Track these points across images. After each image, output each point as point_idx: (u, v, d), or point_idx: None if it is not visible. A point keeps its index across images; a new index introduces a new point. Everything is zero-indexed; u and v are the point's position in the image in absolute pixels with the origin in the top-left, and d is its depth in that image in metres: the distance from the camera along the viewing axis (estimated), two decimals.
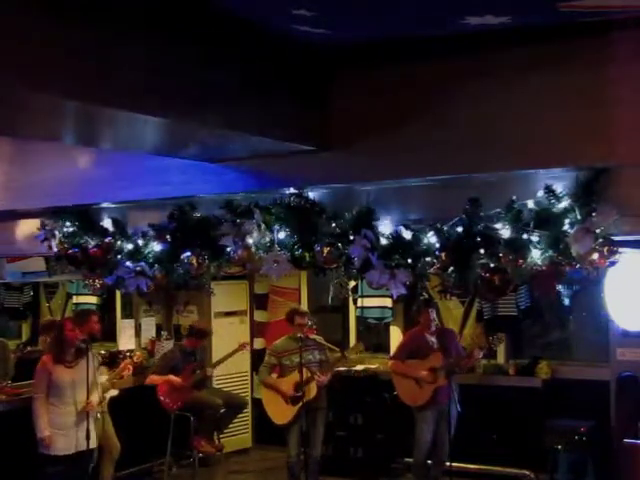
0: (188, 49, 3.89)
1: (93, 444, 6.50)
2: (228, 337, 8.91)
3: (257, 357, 8.76)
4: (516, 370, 8.18)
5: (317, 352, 7.31)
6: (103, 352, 8.83)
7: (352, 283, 7.40)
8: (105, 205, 6.01)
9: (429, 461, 7.40)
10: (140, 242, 5.76)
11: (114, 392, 7.18)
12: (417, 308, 7.47)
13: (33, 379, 6.68)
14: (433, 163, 4.48)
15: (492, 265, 4.44)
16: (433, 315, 7.28)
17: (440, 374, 7.12)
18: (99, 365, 6.99)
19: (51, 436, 6.35)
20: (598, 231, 4.15)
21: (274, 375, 7.45)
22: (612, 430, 6.98)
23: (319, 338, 7.44)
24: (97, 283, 6.22)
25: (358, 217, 4.82)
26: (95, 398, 6.56)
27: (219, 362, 8.32)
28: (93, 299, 10.24)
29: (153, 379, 8.12)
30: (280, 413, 7.35)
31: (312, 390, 7.15)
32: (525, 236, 4.34)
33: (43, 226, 6.15)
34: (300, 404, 7.12)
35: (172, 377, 8.00)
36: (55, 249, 6.09)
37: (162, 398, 8.02)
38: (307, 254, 4.99)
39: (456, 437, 7.05)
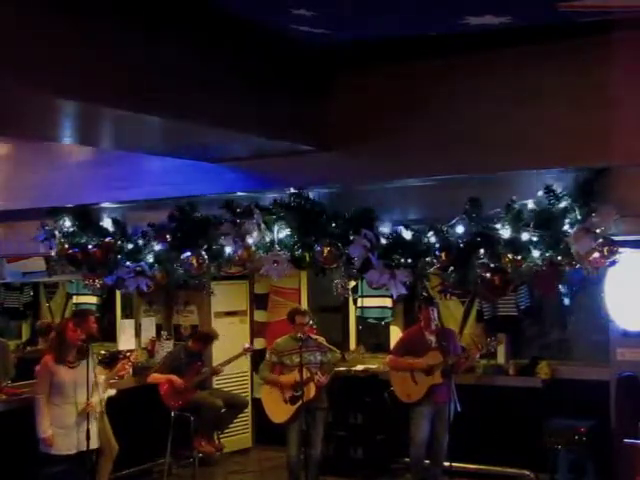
0: (188, 49, 3.89)
1: (93, 444, 6.51)
2: (228, 337, 8.90)
3: (257, 357, 8.75)
4: (516, 370, 8.17)
5: (318, 353, 7.31)
6: (103, 352, 8.84)
7: (352, 283, 7.40)
8: (105, 205, 6.02)
9: (427, 461, 7.40)
10: (140, 242, 5.76)
11: (112, 392, 7.18)
12: (418, 305, 7.47)
13: (35, 379, 6.69)
14: (433, 163, 4.48)
15: (492, 265, 4.44)
16: (434, 314, 7.28)
17: (436, 372, 7.13)
18: (95, 365, 6.98)
19: (53, 436, 6.37)
20: (598, 231, 4.15)
21: (274, 374, 7.45)
22: (612, 430, 6.98)
23: (321, 339, 7.44)
24: (97, 283, 6.23)
25: (358, 217, 4.82)
26: (95, 399, 6.57)
27: (226, 362, 8.33)
28: (93, 299, 10.24)
29: (155, 377, 8.14)
30: (278, 412, 7.35)
31: (311, 390, 7.16)
32: (525, 236, 4.35)
33: (43, 226, 6.15)
34: (298, 404, 7.12)
35: (173, 377, 8.00)
36: (55, 249, 6.09)
37: (163, 397, 8.04)
38: (307, 254, 5.00)
39: (456, 437, 7.05)
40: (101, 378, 7.00)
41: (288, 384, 7.25)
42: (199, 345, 8.34)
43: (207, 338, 8.39)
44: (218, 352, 8.68)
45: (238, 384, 9.46)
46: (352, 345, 9.28)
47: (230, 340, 8.84)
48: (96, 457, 6.83)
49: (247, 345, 8.69)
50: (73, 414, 6.47)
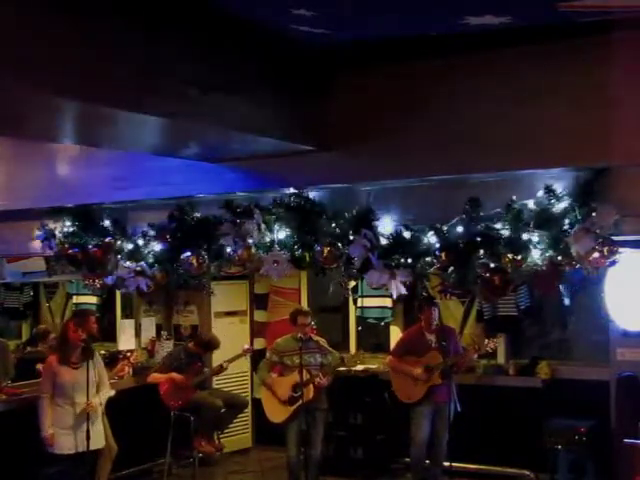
0: (188, 49, 3.89)
1: (94, 445, 6.50)
2: (228, 337, 8.90)
3: (257, 357, 8.75)
4: (516, 370, 8.18)
5: (318, 355, 7.31)
6: (103, 352, 8.83)
7: (352, 283, 7.40)
8: (105, 205, 6.01)
9: (427, 461, 7.40)
10: (140, 242, 5.76)
11: (111, 392, 7.18)
12: (419, 305, 7.47)
13: (36, 379, 6.72)
14: (433, 163, 4.48)
15: (492, 265, 4.44)
16: (435, 314, 7.28)
17: (435, 373, 7.13)
18: (94, 366, 6.98)
19: (53, 435, 6.40)
20: (598, 231, 4.15)
21: (274, 374, 7.45)
22: (612, 430, 6.98)
23: (322, 341, 7.43)
24: (97, 283, 6.23)
25: (358, 217, 4.82)
26: (96, 399, 6.58)
27: (229, 361, 8.32)
28: (93, 299, 10.24)
29: (155, 377, 8.14)
30: (276, 411, 7.36)
31: (310, 391, 7.16)
32: (525, 236, 4.35)
33: (43, 226, 6.15)
34: (297, 404, 7.12)
35: (174, 375, 8.01)
36: (55, 249, 6.09)
37: (163, 397, 8.04)
38: (307, 254, 5.00)
39: (456, 437, 7.05)
40: (104, 378, 6.99)
41: (286, 387, 7.24)
42: (199, 349, 8.35)
43: (209, 346, 8.39)
44: (218, 353, 8.68)
45: (238, 384, 9.46)
46: (352, 345, 9.29)
47: (230, 340, 8.84)
48: (95, 457, 6.83)
49: (247, 346, 8.69)
50: (74, 414, 6.48)
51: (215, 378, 8.86)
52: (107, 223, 6.02)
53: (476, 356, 7.52)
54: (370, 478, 8.42)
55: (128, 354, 8.62)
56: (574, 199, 4.27)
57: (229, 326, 9.43)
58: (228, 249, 5.22)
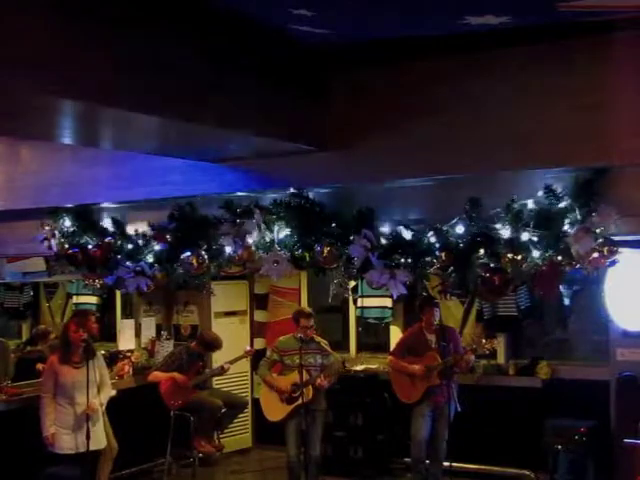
0: (188, 49, 3.89)
1: (95, 445, 6.49)
2: (228, 337, 8.90)
3: (257, 357, 8.75)
4: (516, 370, 8.17)
5: (319, 356, 7.30)
6: (103, 352, 8.83)
7: (352, 283, 7.40)
8: (105, 205, 6.02)
9: (427, 461, 7.40)
10: (140, 242, 5.76)
11: (113, 392, 7.18)
12: (419, 305, 7.45)
13: (36, 378, 6.71)
14: (433, 163, 4.48)
15: (492, 265, 4.44)
16: (436, 314, 7.28)
17: (433, 373, 7.13)
18: (94, 365, 6.98)
19: (55, 435, 6.39)
20: (598, 231, 4.15)
21: (274, 373, 7.45)
22: (612, 430, 6.98)
23: (324, 342, 7.43)
24: (97, 283, 6.23)
25: (358, 217, 4.83)
26: (96, 400, 6.57)
27: (231, 362, 8.33)
28: (93, 299, 10.25)
29: (156, 376, 8.13)
30: (273, 410, 7.35)
31: (309, 392, 7.15)
32: (525, 236, 4.35)
33: (43, 226, 6.16)
34: (296, 403, 7.12)
35: (176, 374, 8.01)
36: (55, 249, 6.09)
37: (164, 396, 8.04)
38: (307, 254, 5.00)
39: (456, 437, 7.05)
40: (105, 378, 6.98)
41: (285, 387, 7.24)
42: (201, 349, 8.34)
43: (210, 346, 8.38)
44: (218, 352, 8.68)
45: (238, 384, 9.45)
46: (352, 345, 9.28)
47: (230, 340, 8.83)
48: (96, 457, 6.82)
49: (248, 348, 8.69)
50: (75, 414, 6.48)
51: (215, 378, 8.85)
52: (107, 223, 6.03)
53: (473, 357, 7.51)
54: (370, 478, 8.41)
55: (129, 354, 8.63)
56: (574, 199, 4.27)
57: (229, 326, 9.42)
58: (228, 249, 5.22)
